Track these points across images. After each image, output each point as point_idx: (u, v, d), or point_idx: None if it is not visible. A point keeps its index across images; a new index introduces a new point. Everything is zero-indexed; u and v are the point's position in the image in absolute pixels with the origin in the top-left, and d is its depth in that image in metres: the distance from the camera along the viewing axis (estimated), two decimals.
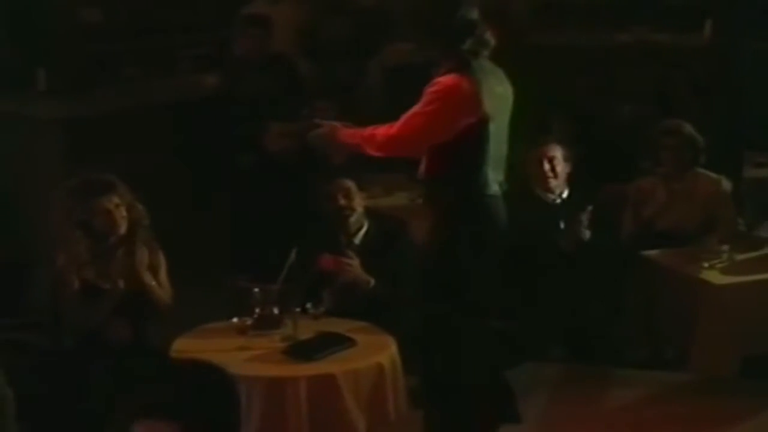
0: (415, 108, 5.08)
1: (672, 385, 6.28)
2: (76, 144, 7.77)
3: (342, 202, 6.20)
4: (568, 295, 6.49)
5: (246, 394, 5.12)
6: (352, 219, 6.21)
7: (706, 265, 6.25)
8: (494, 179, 5.26)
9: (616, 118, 8.63)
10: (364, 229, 6.25)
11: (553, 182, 6.76)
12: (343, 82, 8.58)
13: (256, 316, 5.63)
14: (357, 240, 6.23)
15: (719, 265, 6.26)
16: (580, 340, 6.55)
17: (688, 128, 6.86)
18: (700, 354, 6.17)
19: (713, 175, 6.84)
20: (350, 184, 6.23)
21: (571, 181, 6.80)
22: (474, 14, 5.14)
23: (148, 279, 5.82)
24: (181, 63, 8.74)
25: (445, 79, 5.05)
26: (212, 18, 8.97)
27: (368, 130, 5.19)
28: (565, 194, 6.79)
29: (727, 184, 6.83)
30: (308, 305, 5.63)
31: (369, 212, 6.33)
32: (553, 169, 6.75)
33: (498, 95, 5.21)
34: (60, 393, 5.62)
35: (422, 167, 5.27)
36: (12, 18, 8.16)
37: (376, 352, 5.41)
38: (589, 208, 6.62)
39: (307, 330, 5.53)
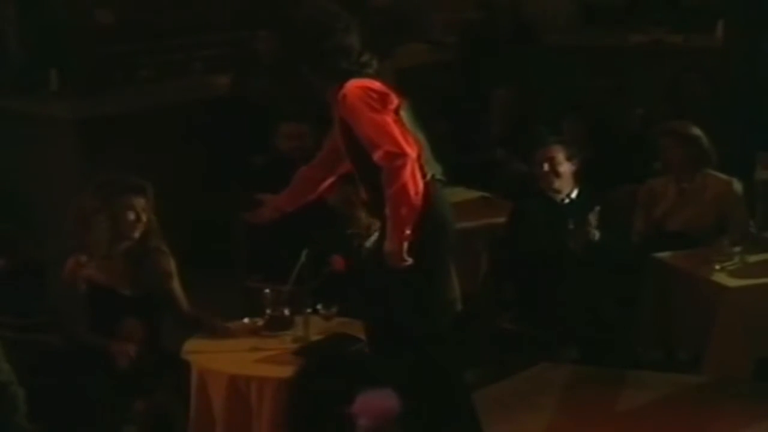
0: (363, 132, 4.90)
1: (685, 387, 6.26)
2: (89, 144, 7.80)
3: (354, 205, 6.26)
4: (581, 296, 6.48)
5: (257, 394, 5.14)
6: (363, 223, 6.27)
7: (717, 267, 6.23)
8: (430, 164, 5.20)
9: (628, 118, 8.62)
10: (376, 234, 6.26)
11: (556, 182, 6.76)
12: None
13: (267, 317, 5.63)
14: (368, 243, 6.24)
15: (731, 267, 6.24)
16: (593, 342, 6.53)
17: (694, 129, 6.85)
18: (713, 356, 6.15)
19: (724, 176, 6.83)
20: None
21: (580, 181, 6.79)
22: (349, 40, 5.07)
23: (176, 286, 5.84)
24: (193, 64, 8.76)
25: (347, 87, 4.95)
26: (225, 19, 8.98)
27: (388, 214, 4.89)
28: (574, 194, 6.78)
29: (738, 186, 6.81)
30: (319, 306, 5.62)
31: None
32: (553, 169, 6.75)
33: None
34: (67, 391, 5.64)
35: (362, 188, 5.27)
36: (25, 19, 8.18)
37: None
38: (597, 208, 6.61)
39: (318, 331, 5.53)
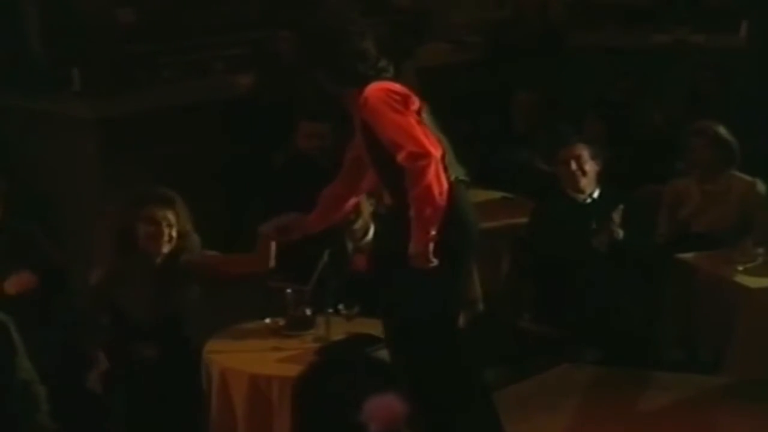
0: (386, 134, 4.88)
1: (707, 388, 6.22)
2: (111, 144, 7.81)
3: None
4: (603, 296, 6.47)
5: (278, 394, 5.14)
6: (356, 226, 6.30)
7: (740, 268, 6.22)
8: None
9: (650, 118, 8.60)
10: (371, 233, 6.30)
11: (582, 181, 6.75)
12: None
13: (288, 316, 5.63)
14: (362, 244, 6.30)
15: (754, 268, 6.22)
16: (615, 343, 6.51)
17: (720, 129, 6.84)
18: (735, 357, 6.14)
19: (748, 177, 6.82)
20: None
21: (602, 180, 6.78)
22: (365, 44, 5.05)
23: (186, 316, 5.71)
24: (215, 63, 8.77)
25: (370, 89, 4.94)
26: (246, 19, 8.99)
27: (413, 215, 4.86)
28: (596, 194, 6.77)
29: (762, 187, 6.80)
30: (341, 306, 5.62)
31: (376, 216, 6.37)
32: (580, 167, 6.74)
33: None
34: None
35: (386, 193, 5.18)
36: (47, 19, 8.20)
37: None
38: (621, 207, 6.59)
39: (339, 331, 5.53)
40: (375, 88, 4.95)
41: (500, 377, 6.31)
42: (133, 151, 7.77)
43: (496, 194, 7.58)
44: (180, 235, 5.64)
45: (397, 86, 4.98)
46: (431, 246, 4.84)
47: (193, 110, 8.13)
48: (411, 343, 5.02)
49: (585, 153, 6.77)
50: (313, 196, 5.27)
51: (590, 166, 6.76)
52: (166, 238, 5.59)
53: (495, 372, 6.33)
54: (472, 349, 5.25)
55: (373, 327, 5.57)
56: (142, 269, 5.62)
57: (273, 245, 5.53)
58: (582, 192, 6.75)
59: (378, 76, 5.02)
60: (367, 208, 6.35)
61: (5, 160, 7.73)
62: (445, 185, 4.88)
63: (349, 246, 6.35)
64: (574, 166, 6.73)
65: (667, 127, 8.30)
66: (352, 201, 5.49)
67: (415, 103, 4.98)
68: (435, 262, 4.84)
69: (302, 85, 8.10)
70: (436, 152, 4.88)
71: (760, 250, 6.30)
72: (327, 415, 4.45)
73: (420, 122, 4.94)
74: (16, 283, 6.12)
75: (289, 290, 5.67)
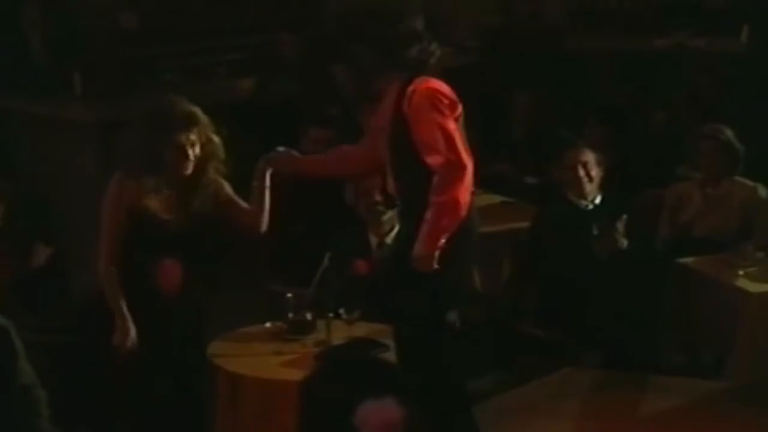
0: (426, 135, 4.82)
1: (709, 392, 6.22)
2: (112, 148, 7.81)
3: (377, 198, 6.25)
4: (604, 300, 6.47)
5: (278, 398, 5.15)
6: (385, 217, 6.25)
7: (741, 272, 6.22)
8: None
9: (651, 122, 8.60)
10: (396, 229, 6.28)
11: (588, 187, 6.74)
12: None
13: (289, 321, 5.63)
14: (389, 240, 6.26)
15: (755, 272, 6.22)
16: (617, 347, 6.51)
17: (727, 134, 6.85)
18: (736, 361, 6.14)
19: (749, 182, 6.83)
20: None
21: (604, 186, 6.78)
22: (419, 24, 5.04)
23: (237, 202, 5.38)
24: (217, 68, 8.78)
25: (421, 86, 4.88)
26: (248, 23, 9.00)
27: (429, 219, 4.81)
28: (597, 200, 6.77)
29: (763, 191, 6.81)
30: (342, 310, 5.62)
31: None
32: (587, 173, 6.74)
33: None
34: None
35: (393, 183, 5.09)
36: (49, 23, 8.21)
37: None
38: (625, 216, 6.60)
39: (340, 335, 5.53)
40: (424, 86, 4.89)
41: (502, 381, 6.31)
42: None
43: (497, 198, 7.57)
44: (203, 145, 5.33)
45: (445, 88, 4.93)
46: (437, 253, 4.83)
47: None
48: (414, 344, 5.01)
49: (591, 158, 6.77)
50: (318, 200, 5.26)
51: (596, 172, 6.76)
52: (191, 158, 5.26)
53: (496, 376, 6.33)
54: (461, 355, 5.24)
55: (375, 331, 5.58)
56: (168, 183, 5.28)
57: (267, 193, 5.35)
58: (585, 197, 6.76)
59: (428, 61, 4.99)
60: (393, 203, 6.32)
61: (7, 163, 7.74)
62: (469, 199, 4.86)
63: (373, 241, 6.32)
64: (581, 171, 6.73)
65: (668, 132, 8.30)
66: (359, 166, 5.40)
67: (459, 108, 4.93)
68: (437, 267, 4.83)
69: (308, 90, 8.14)
70: (470, 165, 4.85)
71: (761, 255, 6.30)
72: (329, 419, 4.45)
73: (458, 130, 4.90)
74: (43, 252, 6.13)
75: (289, 294, 5.67)
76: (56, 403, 5.36)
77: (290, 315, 5.64)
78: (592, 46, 9.46)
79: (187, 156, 5.21)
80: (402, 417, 4.36)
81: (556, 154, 7.07)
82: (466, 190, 4.84)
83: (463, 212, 4.85)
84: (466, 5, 10.38)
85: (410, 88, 4.88)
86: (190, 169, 5.23)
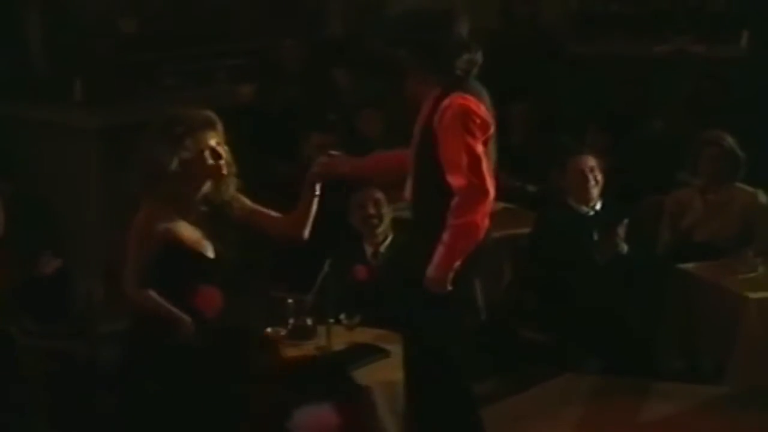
0: (451, 154, 4.70)
1: (709, 398, 6.24)
2: (113, 153, 7.81)
3: (371, 210, 6.29)
4: (604, 306, 6.47)
5: None
6: (380, 229, 6.30)
7: (741, 278, 6.23)
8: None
9: (651, 128, 8.60)
10: (389, 239, 6.33)
11: (594, 192, 6.75)
12: (382, 93, 8.59)
13: (290, 326, 5.63)
14: (382, 249, 6.31)
15: (755, 278, 6.23)
16: (617, 352, 6.52)
17: (729, 140, 6.86)
18: (736, 366, 6.15)
19: (749, 188, 6.84)
20: (380, 194, 6.39)
21: (604, 192, 6.79)
22: (465, 31, 4.91)
23: (265, 212, 5.08)
24: (217, 73, 8.77)
25: (455, 102, 4.73)
26: (248, 28, 8.99)
27: (445, 241, 4.71)
28: (598, 206, 6.77)
29: (763, 197, 6.82)
30: (342, 316, 5.63)
31: (395, 223, 6.39)
32: (594, 178, 6.75)
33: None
34: None
35: (411, 190, 4.96)
36: (48, 28, 8.20)
37: None
38: (626, 221, 6.61)
39: (340, 341, 5.53)
40: (459, 102, 4.74)
41: (502, 387, 6.31)
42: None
43: (498, 204, 7.56)
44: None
45: (481, 108, 4.78)
46: (451, 275, 4.75)
47: None
48: (423, 358, 4.98)
49: (596, 164, 6.79)
50: (321, 206, 5.12)
51: (600, 177, 6.77)
52: (224, 156, 4.91)
53: (497, 382, 6.33)
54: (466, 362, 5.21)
55: (375, 336, 5.58)
56: (188, 205, 4.90)
57: (315, 202, 5.06)
58: (588, 203, 6.76)
59: (472, 71, 4.86)
60: (388, 214, 6.37)
61: (7, 168, 7.74)
62: (485, 227, 4.77)
63: (368, 251, 6.36)
64: (589, 176, 6.73)
65: (668, 137, 8.29)
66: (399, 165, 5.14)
67: (490, 130, 4.81)
68: (450, 288, 4.75)
69: (309, 95, 8.13)
70: (492, 191, 4.75)
71: (761, 260, 6.31)
72: (266, 421, 4.39)
73: (486, 153, 4.78)
74: (51, 264, 6.12)
75: (290, 300, 5.67)
76: (56, 409, 5.37)
77: (291, 320, 5.64)
78: (592, 51, 9.44)
79: (219, 155, 4.88)
80: (338, 424, 4.34)
81: (558, 160, 7.06)
82: (484, 215, 4.74)
83: (480, 236, 4.76)
84: (464, 10, 10.35)
85: (445, 102, 4.75)
86: (225, 169, 4.90)
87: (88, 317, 6.64)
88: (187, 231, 4.82)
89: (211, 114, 4.97)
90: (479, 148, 4.71)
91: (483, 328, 5.68)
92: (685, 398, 6.22)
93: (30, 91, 8.09)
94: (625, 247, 6.61)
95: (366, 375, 5.29)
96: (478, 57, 4.90)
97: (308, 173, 5.02)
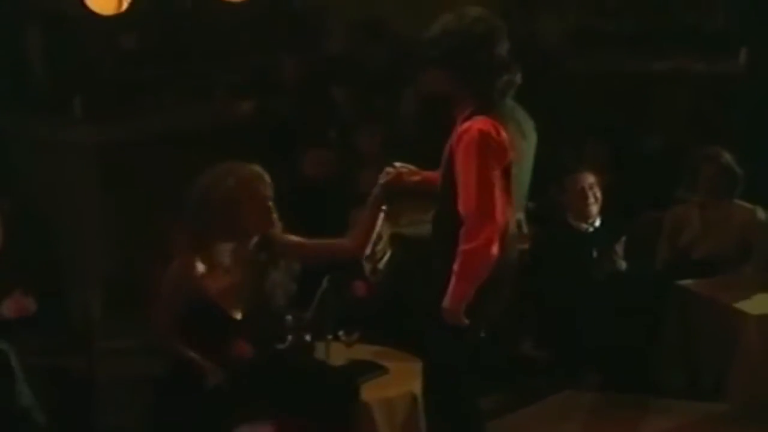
0: (463, 178, 4.63)
1: (708, 414, 6.23)
2: (112, 169, 7.82)
3: None
4: (604, 322, 6.47)
5: None
6: (378, 246, 6.29)
7: (740, 294, 6.22)
8: (512, 220, 4.89)
9: (650, 145, 8.61)
10: (387, 256, 6.32)
11: (593, 209, 6.76)
12: (380, 111, 8.61)
13: (288, 343, 5.62)
14: (381, 266, 6.30)
15: (753, 295, 6.23)
16: (617, 369, 6.51)
17: (727, 157, 6.87)
18: (736, 383, 6.15)
19: (748, 204, 6.84)
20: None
21: (603, 208, 6.79)
22: (506, 51, 4.79)
23: (305, 243, 5.07)
24: (216, 89, 8.79)
25: (475, 126, 4.65)
26: (247, 45, 9.01)
27: (455, 270, 4.65)
28: (597, 223, 6.78)
29: (762, 214, 6.82)
30: (341, 332, 5.62)
31: (394, 240, 6.39)
32: (594, 195, 6.76)
33: (523, 136, 4.85)
34: None
35: (435, 214, 4.90)
36: (49, 45, 8.23)
37: (408, 380, 5.38)
38: (624, 238, 6.61)
39: (339, 357, 5.52)
40: (477, 127, 4.64)
41: (502, 402, 6.30)
42: (134, 176, 7.79)
43: None
44: None
45: (501, 134, 4.66)
46: (463, 306, 4.69)
47: (194, 135, 8.14)
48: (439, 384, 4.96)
49: (595, 180, 6.79)
50: (320, 222, 5.10)
51: (599, 195, 6.78)
52: (275, 213, 4.92)
53: (497, 398, 6.32)
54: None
55: (374, 353, 5.57)
56: (234, 255, 4.93)
57: (381, 217, 5.02)
58: (587, 220, 6.76)
59: (508, 92, 4.78)
60: (386, 230, 6.36)
61: (6, 183, 7.75)
62: (495, 253, 4.67)
63: (367, 267, 6.35)
64: (588, 194, 6.74)
65: (667, 153, 8.30)
66: None
67: (508, 157, 4.68)
68: (466, 322, 4.71)
69: (307, 112, 8.15)
70: (502, 219, 4.67)
71: (760, 277, 6.31)
72: None
73: (503, 179, 4.68)
74: (15, 308, 6.08)
75: (289, 316, 5.66)
76: (55, 426, 5.36)
77: (289, 337, 5.62)
78: (591, 67, 9.46)
79: (271, 210, 4.92)
80: None
81: (557, 177, 7.07)
82: (492, 243, 4.64)
83: (489, 263, 4.67)
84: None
85: (465, 125, 4.68)
86: (277, 224, 4.95)
87: (86, 332, 6.62)
88: (222, 293, 4.84)
89: (259, 168, 4.97)
90: (492, 175, 4.63)
91: (483, 344, 5.68)
92: (684, 414, 6.21)
93: (30, 106, 8.11)
94: (623, 264, 6.61)
95: (365, 392, 5.27)
96: (518, 78, 4.81)
97: (375, 187, 4.96)
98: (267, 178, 4.96)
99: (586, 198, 6.73)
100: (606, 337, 6.45)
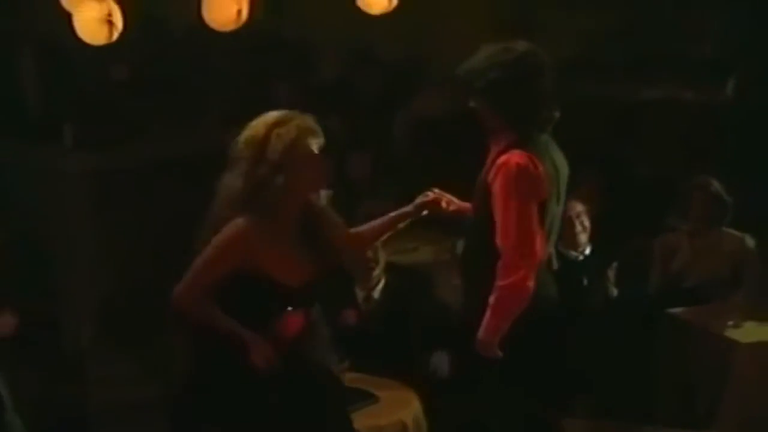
0: (501, 212, 4.62)
1: None
2: (102, 198, 7.82)
3: (369, 254, 6.24)
4: (596, 350, 6.46)
5: None
6: (375, 273, 6.28)
7: (731, 322, 6.23)
8: (545, 253, 4.88)
9: (640, 172, 8.63)
10: (382, 283, 6.31)
11: (582, 238, 6.76)
12: (372, 135, 8.62)
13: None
14: (375, 294, 6.28)
15: (744, 323, 6.23)
16: (609, 396, 6.51)
17: (716, 185, 6.88)
18: (728, 411, 6.13)
19: (737, 232, 6.86)
20: None
21: (593, 236, 6.80)
22: (551, 85, 4.77)
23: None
24: (206, 118, 8.80)
25: (511, 161, 4.62)
26: (239, 74, 9.03)
27: (492, 303, 4.66)
28: (587, 251, 6.79)
29: (751, 241, 6.84)
30: None
31: (389, 268, 6.38)
32: (582, 224, 6.76)
33: (556, 169, 4.82)
34: None
35: (463, 244, 4.96)
36: (42, 74, 8.25)
37: (398, 409, 5.39)
38: (615, 264, 6.61)
39: None
40: (516, 161, 4.62)
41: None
42: (125, 204, 7.79)
43: None
44: None
45: (539, 169, 4.65)
46: (497, 339, 4.70)
47: (185, 163, 8.15)
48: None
49: (583, 210, 6.80)
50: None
51: (588, 223, 6.79)
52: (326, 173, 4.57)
53: None
54: None
55: (363, 381, 5.56)
56: (284, 223, 4.51)
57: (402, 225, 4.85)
58: (576, 248, 6.77)
59: (547, 127, 4.77)
60: (383, 257, 6.34)
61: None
62: (531, 290, 4.69)
63: (360, 295, 6.33)
64: (575, 222, 6.75)
65: (657, 181, 8.32)
66: None
67: (545, 193, 4.68)
68: (500, 354, 4.71)
69: None
70: (542, 254, 4.71)
71: (750, 305, 6.32)
72: None
73: (542, 212, 4.68)
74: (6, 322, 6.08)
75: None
76: None
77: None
78: (580, 95, 9.49)
79: (322, 164, 4.52)
80: None
81: None
82: (529, 279, 4.66)
83: (527, 298, 4.68)
84: (456, 50, 10.37)
85: (502, 158, 4.66)
86: (326, 185, 4.65)
87: (78, 359, 6.62)
88: (278, 261, 4.41)
89: (312, 120, 4.56)
90: (530, 211, 4.63)
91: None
92: None
93: (21, 135, 8.12)
94: (614, 291, 6.62)
95: (355, 420, 5.26)
96: (557, 113, 4.79)
97: (417, 200, 4.84)
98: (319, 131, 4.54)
99: (573, 227, 6.74)
100: (597, 365, 6.45)
